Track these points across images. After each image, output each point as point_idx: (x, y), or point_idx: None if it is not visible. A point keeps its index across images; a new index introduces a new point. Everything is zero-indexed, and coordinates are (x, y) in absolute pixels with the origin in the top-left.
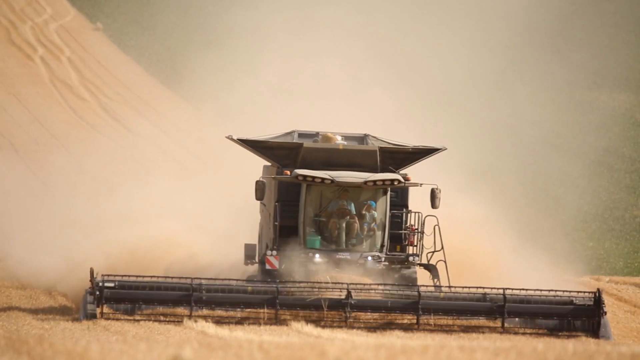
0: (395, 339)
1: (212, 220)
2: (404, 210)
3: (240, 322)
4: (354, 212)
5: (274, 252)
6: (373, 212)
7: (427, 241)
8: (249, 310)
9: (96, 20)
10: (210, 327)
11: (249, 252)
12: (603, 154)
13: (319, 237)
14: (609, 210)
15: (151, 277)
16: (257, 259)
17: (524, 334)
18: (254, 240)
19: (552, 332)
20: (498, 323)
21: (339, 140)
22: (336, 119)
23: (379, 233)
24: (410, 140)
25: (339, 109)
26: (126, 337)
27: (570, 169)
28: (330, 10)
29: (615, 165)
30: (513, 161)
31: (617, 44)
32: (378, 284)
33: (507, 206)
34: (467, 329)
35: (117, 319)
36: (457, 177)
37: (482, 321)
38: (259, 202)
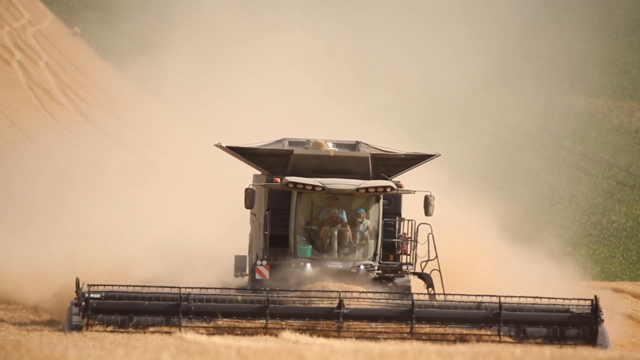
0: (373, 344)
1: (198, 231)
2: (397, 218)
3: (229, 332)
4: (346, 220)
5: (264, 262)
6: (365, 220)
7: (421, 250)
8: (238, 320)
9: (74, 25)
10: (189, 334)
11: (239, 264)
12: (580, 159)
13: (310, 246)
14: (586, 216)
15: (141, 287)
16: (247, 271)
17: (520, 342)
18: (244, 252)
19: (549, 340)
20: (494, 332)
21: (330, 147)
22: (323, 127)
23: (371, 241)
24: (388, 144)
25: (325, 117)
26: (104, 343)
27: (547, 174)
28: (313, 17)
29: (592, 170)
30: (490, 166)
31: (594, 49)
32: (371, 292)
33: (483, 211)
34: (462, 338)
35: (104, 331)
36: (433, 181)
37: (477, 330)
38: (248, 213)
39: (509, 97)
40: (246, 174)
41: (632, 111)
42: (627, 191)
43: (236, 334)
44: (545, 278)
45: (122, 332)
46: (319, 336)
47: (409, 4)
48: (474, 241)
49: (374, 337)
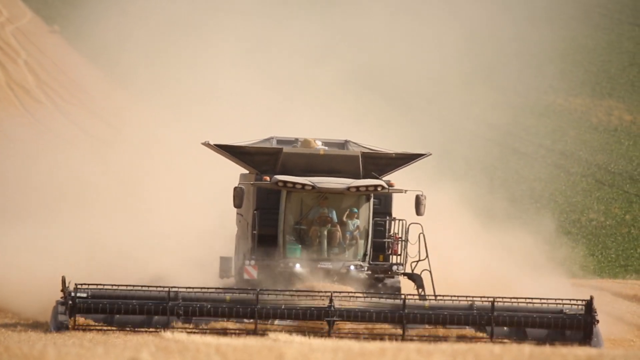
0: (353, 342)
1: (183, 230)
2: (388, 217)
3: (217, 332)
4: (336, 220)
5: (252, 262)
6: (355, 219)
7: (412, 250)
8: (227, 320)
9: (53, 22)
10: (168, 332)
11: (225, 266)
12: (559, 157)
13: (300, 245)
14: (565, 214)
15: (126, 286)
16: (232, 272)
17: (512, 343)
18: (229, 253)
19: (543, 341)
20: (486, 333)
21: (319, 145)
22: (304, 125)
23: (361, 241)
24: (366, 141)
25: (304, 116)
26: (83, 341)
27: (526, 172)
28: (296, 14)
29: (571, 168)
30: (469, 164)
31: (573, 48)
32: (361, 292)
33: (463, 210)
34: (454, 339)
35: (90, 330)
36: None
37: (469, 331)
38: (234, 214)
39: (488, 96)
40: (231, 173)
41: (610, 110)
42: (606, 189)
43: (225, 334)
44: (526, 276)
45: (108, 332)
46: (308, 336)
47: (391, 1)
48: (454, 241)
49: (364, 337)
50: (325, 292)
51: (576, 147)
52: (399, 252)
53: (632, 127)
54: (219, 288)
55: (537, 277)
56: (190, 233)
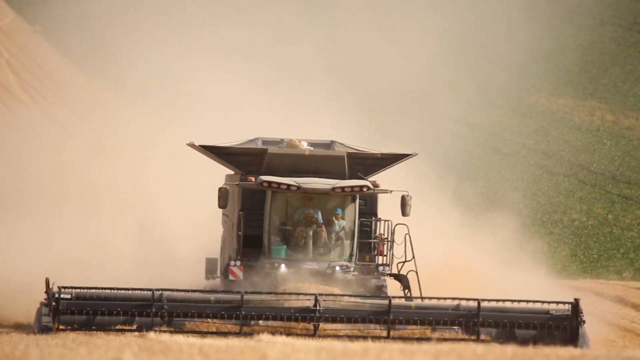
0: (337, 342)
1: (170, 231)
2: (373, 218)
3: (201, 333)
4: (321, 221)
5: (238, 263)
6: (341, 220)
7: (398, 250)
8: (211, 321)
9: (35, 22)
10: (151, 332)
11: (210, 267)
12: (542, 157)
13: (285, 246)
14: (548, 214)
15: (111, 288)
16: (218, 273)
17: (497, 344)
18: (215, 254)
19: (529, 342)
20: (473, 334)
21: (304, 146)
22: (290, 126)
23: (347, 242)
24: (347, 141)
25: (291, 116)
26: (66, 341)
27: (509, 173)
28: (285, 14)
29: (554, 169)
30: (451, 164)
31: (556, 48)
32: (347, 295)
33: (444, 209)
34: (440, 340)
35: (74, 331)
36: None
37: (455, 332)
38: (219, 215)
39: (470, 95)
40: (217, 173)
41: (593, 110)
42: (588, 189)
43: (209, 335)
44: (509, 276)
45: (92, 333)
46: (293, 337)
47: (376, 1)
48: (440, 241)
49: (349, 338)
50: (311, 293)
51: (559, 147)
52: (385, 253)
53: (614, 127)
54: (204, 290)
55: (522, 277)
56: (183, 232)
